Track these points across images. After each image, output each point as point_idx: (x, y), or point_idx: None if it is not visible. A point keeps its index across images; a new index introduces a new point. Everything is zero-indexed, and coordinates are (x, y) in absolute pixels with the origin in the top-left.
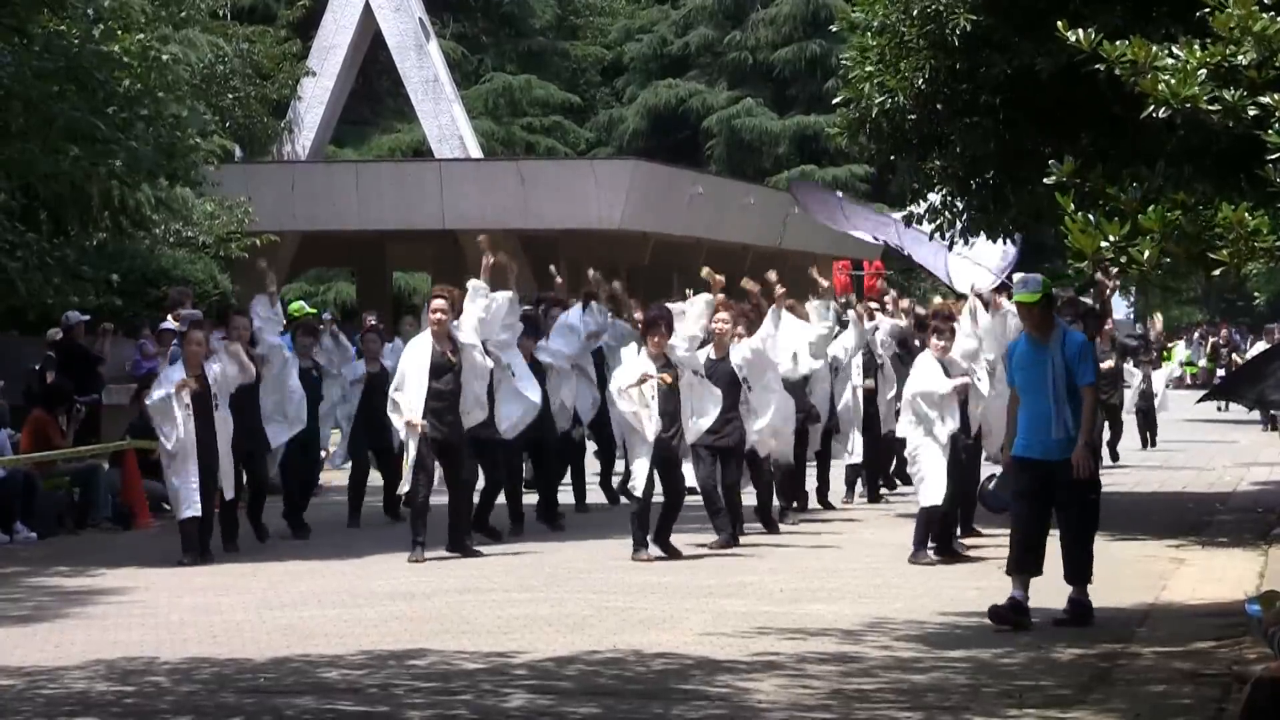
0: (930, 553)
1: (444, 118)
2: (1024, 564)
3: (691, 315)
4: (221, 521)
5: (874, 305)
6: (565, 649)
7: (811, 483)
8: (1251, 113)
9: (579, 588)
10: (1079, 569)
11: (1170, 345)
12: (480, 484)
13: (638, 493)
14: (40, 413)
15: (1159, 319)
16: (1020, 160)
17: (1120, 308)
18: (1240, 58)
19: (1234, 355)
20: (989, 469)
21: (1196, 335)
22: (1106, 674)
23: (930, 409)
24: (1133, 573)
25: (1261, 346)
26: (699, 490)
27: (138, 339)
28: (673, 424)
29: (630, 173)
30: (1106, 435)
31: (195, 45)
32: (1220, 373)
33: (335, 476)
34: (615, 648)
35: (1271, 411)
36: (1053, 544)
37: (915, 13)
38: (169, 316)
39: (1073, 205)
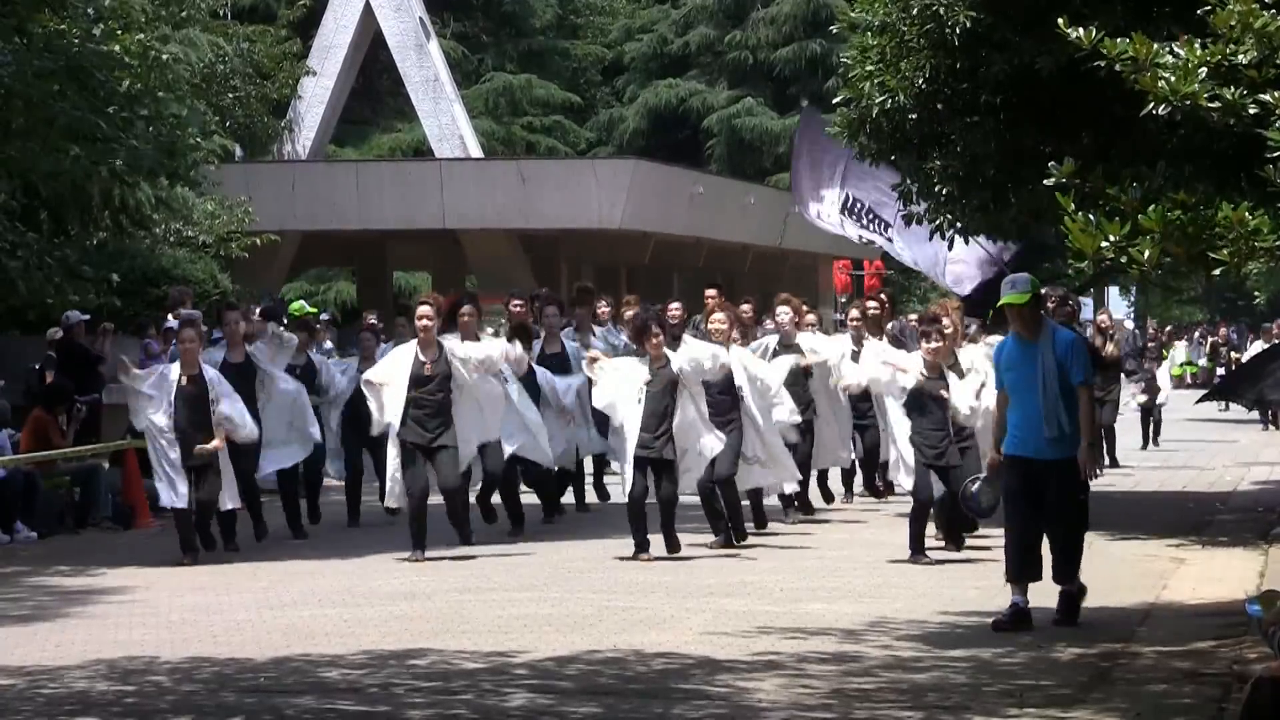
0: (929, 553)
1: (444, 117)
2: (1022, 571)
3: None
4: (220, 520)
5: (872, 306)
6: (566, 648)
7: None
8: (1252, 110)
9: (579, 587)
10: (1068, 571)
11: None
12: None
13: (627, 493)
14: (40, 412)
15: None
16: (1021, 159)
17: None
18: (1240, 56)
19: (1232, 354)
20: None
21: (1197, 335)
22: (1107, 673)
23: (887, 396)
24: (1133, 572)
25: (1260, 346)
26: (697, 491)
27: (143, 338)
28: (659, 425)
29: (631, 172)
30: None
31: (195, 45)
32: (1220, 372)
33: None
34: (616, 647)
35: (1271, 411)
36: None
37: (915, 11)
38: (169, 316)
39: (1073, 205)
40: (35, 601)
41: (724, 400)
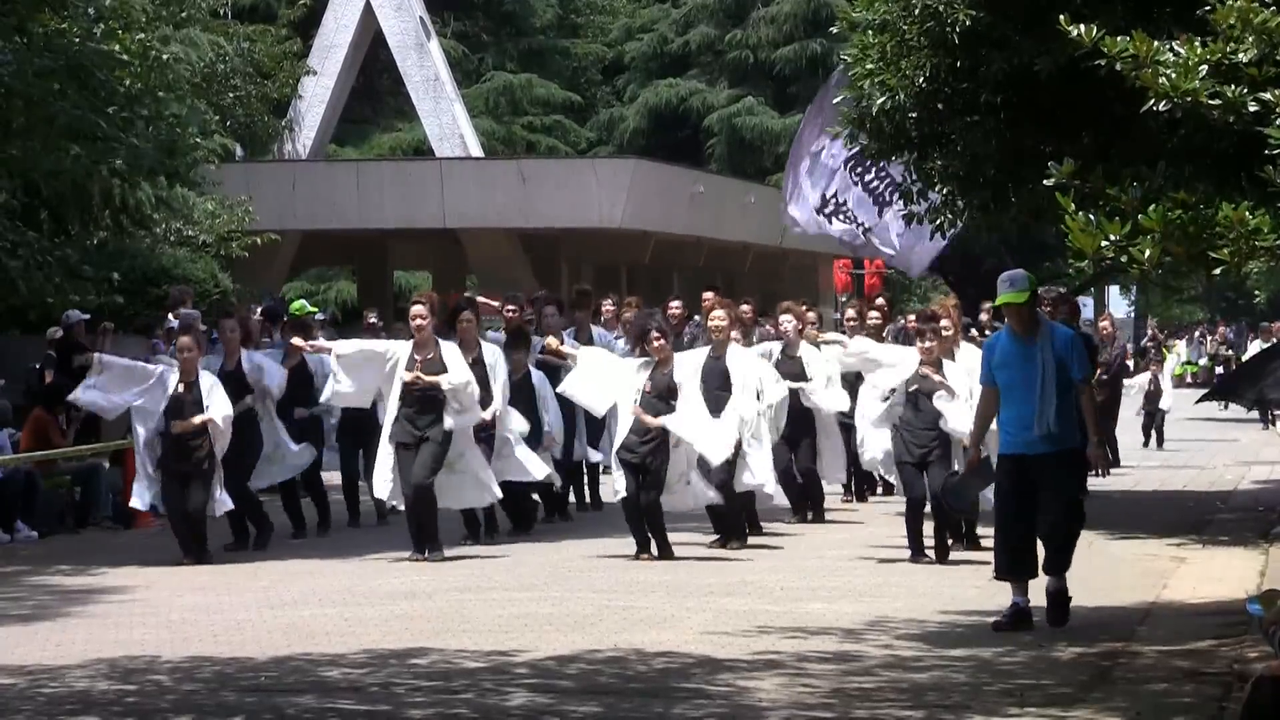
0: (929, 552)
1: (445, 117)
2: (1016, 568)
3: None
4: (231, 521)
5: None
6: (566, 648)
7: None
8: (1252, 108)
9: (580, 587)
10: (1058, 561)
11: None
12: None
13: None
14: (41, 412)
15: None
16: (1021, 159)
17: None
18: (1241, 55)
19: (1231, 353)
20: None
21: (1197, 334)
22: (1107, 673)
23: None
24: (1133, 571)
25: (1259, 345)
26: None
27: (150, 337)
28: (648, 430)
29: (631, 172)
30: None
31: (196, 44)
32: (1219, 371)
33: (333, 476)
34: (616, 646)
35: (1271, 410)
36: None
37: (916, 10)
38: (169, 315)
39: (1073, 205)
40: (36, 601)
41: (721, 396)
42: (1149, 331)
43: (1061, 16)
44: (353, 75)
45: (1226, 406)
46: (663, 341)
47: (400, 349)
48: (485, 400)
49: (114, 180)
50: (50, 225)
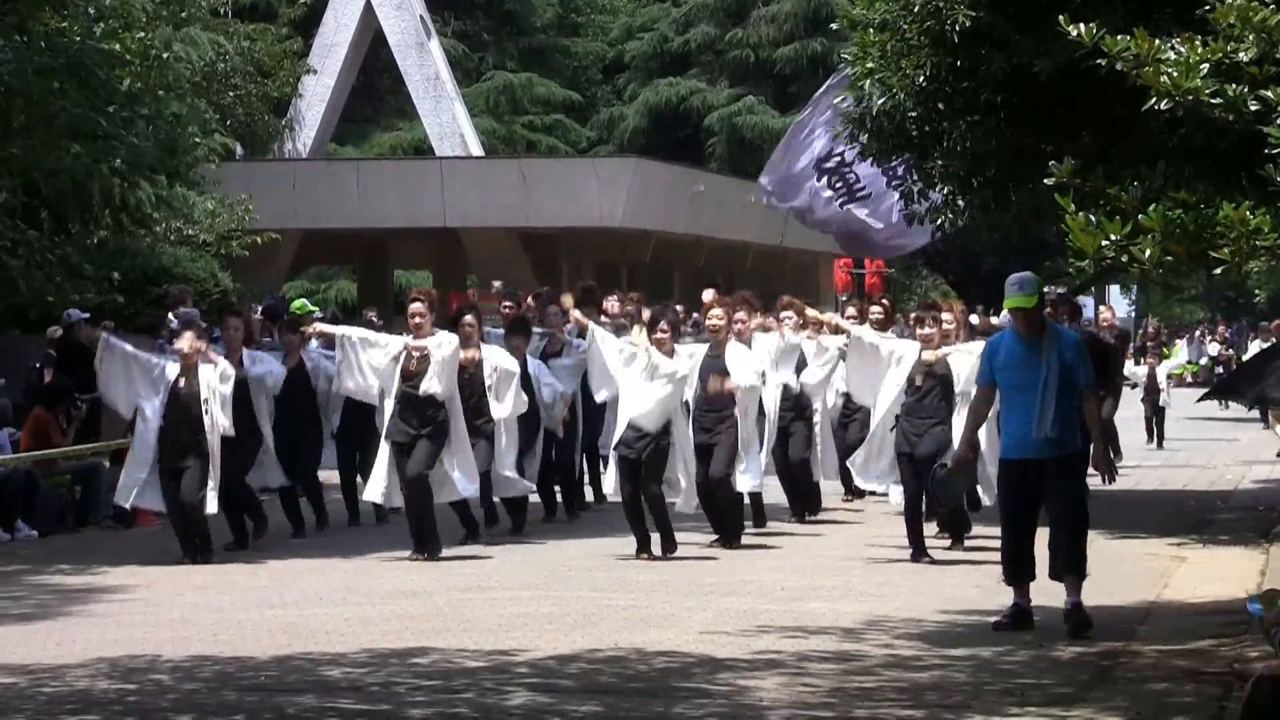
0: (930, 552)
1: (445, 116)
2: (1019, 573)
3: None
4: (229, 519)
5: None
6: (567, 647)
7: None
8: (1253, 107)
9: (580, 586)
10: (1072, 561)
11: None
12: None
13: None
14: (41, 411)
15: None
16: (1021, 159)
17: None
18: (1241, 54)
19: (1230, 352)
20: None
21: (1197, 334)
22: (1108, 672)
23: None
24: (1134, 571)
25: (1259, 345)
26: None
27: (155, 337)
28: (639, 431)
29: (631, 171)
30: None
31: (196, 43)
32: (1219, 370)
33: (332, 475)
34: (617, 646)
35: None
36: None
37: (916, 9)
38: (169, 314)
39: (1073, 205)
40: (36, 600)
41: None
42: (1150, 331)
43: (1061, 16)
44: (353, 74)
45: (1227, 406)
46: (666, 335)
47: (397, 343)
48: (482, 405)
49: (114, 179)
50: (50, 224)
